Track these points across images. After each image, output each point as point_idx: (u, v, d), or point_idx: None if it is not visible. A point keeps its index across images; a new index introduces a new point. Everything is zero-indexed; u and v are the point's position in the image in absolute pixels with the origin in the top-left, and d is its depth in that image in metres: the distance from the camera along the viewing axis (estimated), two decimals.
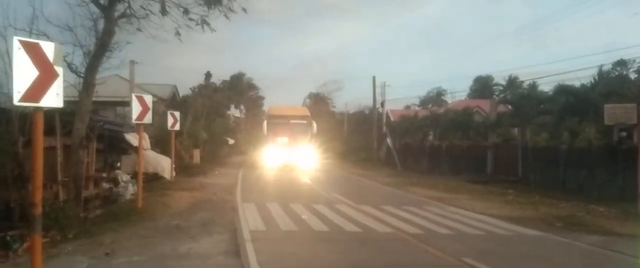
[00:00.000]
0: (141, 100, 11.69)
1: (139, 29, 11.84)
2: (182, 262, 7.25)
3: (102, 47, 10.72)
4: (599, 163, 16.78)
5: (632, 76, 35.78)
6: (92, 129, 11.50)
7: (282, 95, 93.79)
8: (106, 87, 12.32)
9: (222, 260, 7.40)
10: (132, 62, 22.94)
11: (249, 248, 7.97)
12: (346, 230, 9.95)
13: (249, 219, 10.76)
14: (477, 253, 7.98)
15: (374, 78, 39.33)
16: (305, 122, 28.14)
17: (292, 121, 27.77)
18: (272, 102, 35.81)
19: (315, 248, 8.40)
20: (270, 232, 9.63)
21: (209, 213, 11.49)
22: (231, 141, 46.32)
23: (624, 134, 16.79)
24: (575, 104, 20.49)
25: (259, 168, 26.37)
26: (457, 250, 8.19)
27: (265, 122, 28.31)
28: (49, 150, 9.07)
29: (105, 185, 13.56)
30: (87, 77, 10.51)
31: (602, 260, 8.46)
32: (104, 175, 14.04)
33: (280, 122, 27.54)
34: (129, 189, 13.79)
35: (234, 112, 64.33)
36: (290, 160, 26.17)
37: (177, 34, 12.13)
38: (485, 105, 37.59)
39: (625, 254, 8.30)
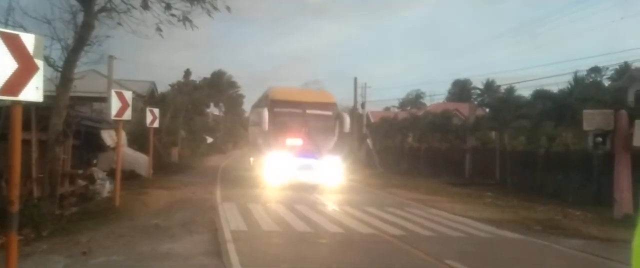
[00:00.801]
0: (121, 96, 11.42)
1: (119, 24, 11.63)
2: (162, 262, 7.08)
3: (81, 41, 10.48)
4: (576, 168, 17.08)
5: (606, 83, 36.81)
6: (69, 125, 11.20)
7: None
8: (83, 83, 12.04)
9: (203, 260, 7.26)
10: (111, 57, 22.47)
11: (230, 248, 7.85)
12: (329, 231, 9.89)
13: (230, 219, 10.61)
14: (459, 256, 8.00)
15: (355, 79, 39.43)
16: (330, 113, 17.78)
17: (309, 111, 17.34)
18: (253, 100, 28.96)
19: (299, 249, 8.31)
20: (252, 231, 9.51)
21: (189, 213, 11.30)
22: (210, 139, 45.94)
23: (599, 139, 17.12)
24: (553, 108, 20.88)
25: (259, 188, 16.42)
26: (439, 252, 8.21)
27: (265, 111, 17.01)
28: (24, 145, 8.69)
29: (81, 182, 13.21)
30: (65, 71, 10.26)
31: (585, 264, 8.56)
32: (80, 172, 13.68)
33: (291, 111, 17.32)
34: (106, 187, 13.49)
35: (214, 110, 63.95)
36: (306, 175, 16.51)
37: (158, 29, 11.94)
38: (463, 108, 38.08)
39: (610, 259, 8.34)
